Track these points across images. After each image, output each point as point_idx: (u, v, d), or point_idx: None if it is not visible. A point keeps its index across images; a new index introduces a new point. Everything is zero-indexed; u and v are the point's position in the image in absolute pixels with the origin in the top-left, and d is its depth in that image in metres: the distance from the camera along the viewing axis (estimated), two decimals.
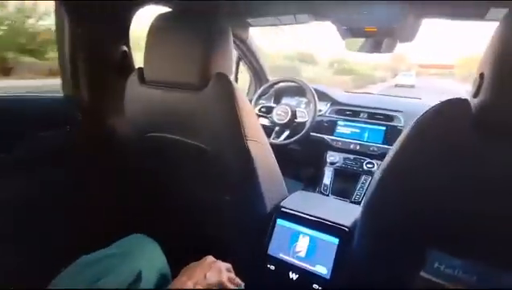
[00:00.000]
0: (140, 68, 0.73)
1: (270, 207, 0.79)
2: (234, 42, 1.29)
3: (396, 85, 15.39)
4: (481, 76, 0.41)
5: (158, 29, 0.68)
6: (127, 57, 0.90)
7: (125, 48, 0.89)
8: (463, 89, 8.39)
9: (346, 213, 0.77)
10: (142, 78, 0.73)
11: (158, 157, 0.81)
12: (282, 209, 0.79)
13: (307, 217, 0.76)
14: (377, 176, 0.55)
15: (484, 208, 0.43)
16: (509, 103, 0.38)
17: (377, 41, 1.17)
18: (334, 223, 0.72)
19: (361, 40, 1.20)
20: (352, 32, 1.09)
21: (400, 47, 1.20)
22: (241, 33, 1.23)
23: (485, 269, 0.46)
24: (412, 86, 14.86)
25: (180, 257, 0.58)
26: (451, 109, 0.44)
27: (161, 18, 0.69)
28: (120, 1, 0.86)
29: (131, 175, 0.87)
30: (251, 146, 0.66)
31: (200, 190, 0.81)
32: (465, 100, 0.43)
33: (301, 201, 0.85)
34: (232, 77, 0.70)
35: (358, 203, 1.24)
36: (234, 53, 1.44)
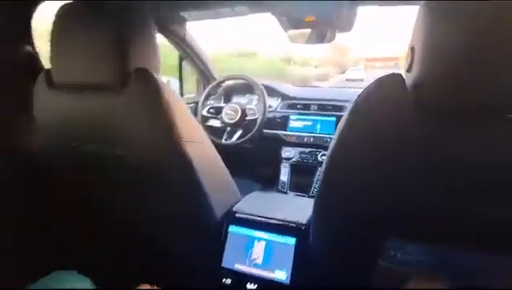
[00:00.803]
0: (47, 70, 0.60)
1: (221, 213, 0.71)
2: (171, 39, 1.20)
3: (347, 80, 16.47)
4: (412, 50, 0.38)
5: (63, 22, 0.56)
6: (33, 58, 0.75)
7: (28, 48, 0.74)
8: None
9: (302, 210, 0.73)
10: (50, 82, 0.60)
11: (80, 173, 0.68)
12: (234, 214, 0.72)
13: (261, 219, 0.70)
14: (322, 167, 0.51)
15: (427, 190, 0.41)
16: (441, 77, 0.36)
17: (321, 32, 1.17)
18: (289, 222, 0.67)
19: (305, 33, 1.20)
20: (292, 23, 1.07)
21: (344, 39, 1.22)
22: (177, 29, 1.13)
23: (441, 252, 0.45)
24: (361, 80, 16.05)
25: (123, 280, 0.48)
26: (384, 85, 0.41)
27: (65, 9, 0.57)
28: None
29: (47, 195, 0.73)
30: (189, 148, 0.58)
31: (138, 203, 0.70)
32: (399, 75, 0.40)
33: (255, 203, 0.78)
34: (159, 75, 0.61)
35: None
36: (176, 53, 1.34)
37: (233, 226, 0.70)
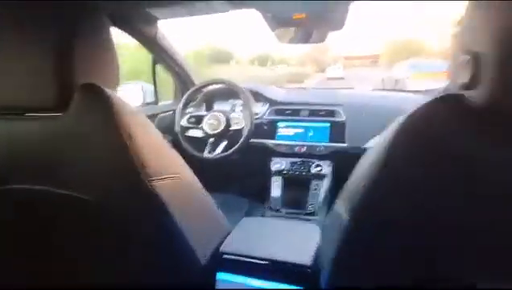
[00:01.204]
0: None
1: (206, 257, 0.58)
2: (141, 40, 1.03)
3: (328, 78, 16.82)
4: (476, 58, 0.27)
5: None
6: None
7: None
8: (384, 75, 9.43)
9: (305, 240, 0.61)
10: None
11: (25, 218, 0.52)
12: (222, 257, 0.58)
13: (256, 261, 0.57)
14: (348, 188, 0.39)
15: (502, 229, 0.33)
16: None
17: (307, 31, 1.06)
18: (293, 265, 0.55)
19: (292, 31, 1.08)
20: (279, 21, 0.94)
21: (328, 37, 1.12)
22: (146, 29, 0.97)
23: None
24: (342, 78, 16.40)
25: None
26: (445, 105, 0.31)
27: None
28: None
29: None
30: (159, 187, 0.44)
31: (94, 263, 0.54)
32: (460, 95, 0.29)
33: (246, 237, 0.65)
34: (118, 89, 0.47)
35: (312, 214, 1.12)
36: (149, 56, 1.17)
37: (223, 273, 0.57)
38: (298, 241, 0.64)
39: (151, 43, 1.04)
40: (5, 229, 0.51)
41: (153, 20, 0.96)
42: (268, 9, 0.86)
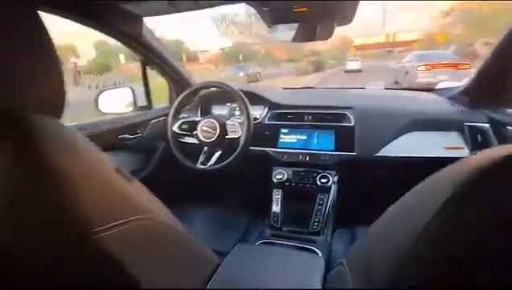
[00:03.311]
0: None
1: None
2: (124, 42, 0.93)
3: (346, 71, 16.47)
4: None
5: None
6: None
7: None
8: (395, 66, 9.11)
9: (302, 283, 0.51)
10: None
11: None
12: None
13: None
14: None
15: None
16: None
17: (311, 26, 0.93)
18: None
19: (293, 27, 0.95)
20: (277, 15, 0.82)
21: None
22: (128, 28, 0.87)
23: None
24: (360, 70, 16.07)
25: None
26: None
27: None
28: None
29: None
30: (116, 239, 0.34)
31: None
32: None
33: (234, 277, 0.55)
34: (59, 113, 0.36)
35: (317, 233, 1.01)
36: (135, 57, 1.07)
37: None
38: (296, 283, 0.54)
39: (137, 43, 0.94)
40: None
41: (136, 18, 0.86)
42: (265, 2, 0.75)
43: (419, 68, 6.61)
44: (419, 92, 1.39)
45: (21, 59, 0.32)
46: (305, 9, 0.79)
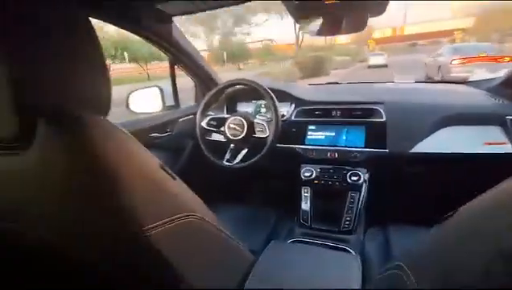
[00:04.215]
0: None
1: None
2: (155, 42, 0.96)
3: (369, 66, 15.45)
4: None
5: None
6: None
7: None
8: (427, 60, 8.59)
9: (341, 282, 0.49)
10: None
11: None
12: None
13: None
14: None
15: None
16: None
17: (337, 18, 0.89)
18: None
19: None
20: (307, 8, 0.80)
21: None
22: (159, 27, 0.89)
23: None
24: (385, 66, 14.95)
25: None
26: None
27: None
28: None
29: None
30: (163, 237, 0.35)
31: None
32: None
33: (271, 274, 0.55)
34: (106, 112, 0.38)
35: (349, 232, 0.97)
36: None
37: None
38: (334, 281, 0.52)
39: (167, 43, 0.96)
40: None
41: (167, 18, 0.88)
42: None
43: (453, 62, 6.14)
44: (453, 84, 1.30)
45: (73, 61, 0.33)
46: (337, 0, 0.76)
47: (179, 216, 0.39)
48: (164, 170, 0.42)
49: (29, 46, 0.30)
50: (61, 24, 0.33)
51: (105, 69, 0.37)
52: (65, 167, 0.31)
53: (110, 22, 0.74)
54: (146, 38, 0.89)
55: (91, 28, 0.35)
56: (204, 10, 0.81)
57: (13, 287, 0.43)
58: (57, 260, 0.38)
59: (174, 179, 0.43)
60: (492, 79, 1.16)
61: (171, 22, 0.92)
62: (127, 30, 0.81)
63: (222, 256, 0.51)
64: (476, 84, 1.22)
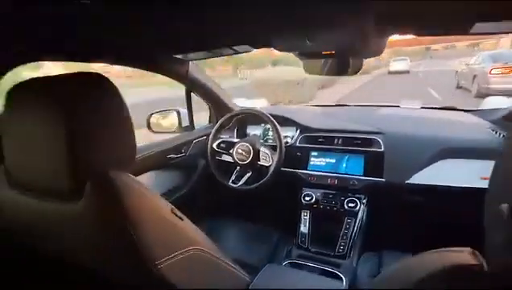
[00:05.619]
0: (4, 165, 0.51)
1: None
2: (174, 77, 1.09)
3: (389, 72, 14.79)
4: None
5: (13, 106, 0.46)
6: None
7: None
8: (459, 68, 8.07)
9: None
10: (9, 179, 0.51)
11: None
12: None
13: None
14: None
15: None
16: None
17: (343, 61, 0.96)
18: None
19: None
20: (307, 56, 0.89)
21: None
22: (177, 68, 1.02)
23: None
24: (407, 72, 14.26)
25: None
26: None
27: (19, 89, 0.47)
28: None
29: None
30: (169, 267, 0.46)
31: None
32: None
33: None
34: (127, 173, 0.49)
35: (343, 256, 1.04)
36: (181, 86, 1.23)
37: None
38: None
39: (184, 78, 1.09)
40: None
41: (184, 62, 1.01)
42: (291, 49, 0.82)
43: (493, 72, 5.50)
44: (459, 112, 1.31)
45: (111, 128, 0.46)
46: (332, 52, 0.84)
47: (186, 249, 0.50)
48: (174, 213, 0.53)
49: (85, 125, 0.42)
50: (107, 102, 0.45)
51: (132, 133, 0.49)
52: (103, 215, 0.43)
53: (134, 67, 0.88)
54: (167, 75, 1.02)
55: (116, 91, 0.47)
56: (215, 57, 0.92)
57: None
58: (87, 278, 0.51)
59: (182, 219, 0.54)
60: (498, 109, 1.16)
61: (187, 64, 1.05)
62: (146, 70, 0.95)
63: (221, 281, 0.62)
64: (481, 113, 1.22)
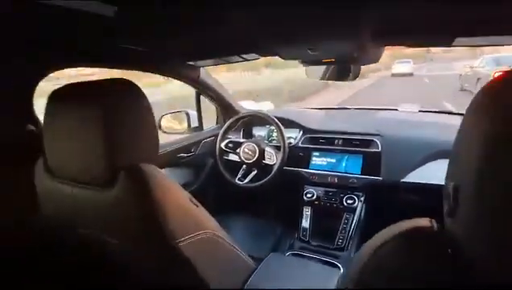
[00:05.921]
0: (45, 158, 0.59)
1: None
2: (185, 82, 1.18)
3: (393, 75, 14.60)
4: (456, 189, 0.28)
5: (55, 107, 0.55)
6: (35, 138, 0.68)
7: (31, 127, 0.73)
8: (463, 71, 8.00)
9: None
10: (48, 170, 0.60)
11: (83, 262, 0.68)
12: None
13: None
14: None
15: None
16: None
17: (344, 67, 1.04)
18: None
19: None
20: (309, 63, 0.97)
21: None
22: (189, 74, 1.11)
23: None
24: (411, 74, 14.10)
25: None
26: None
27: (59, 92, 0.55)
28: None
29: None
30: (185, 248, 0.54)
31: None
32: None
33: (266, 280, 0.73)
34: (153, 164, 0.57)
35: (341, 249, 1.12)
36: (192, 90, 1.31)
37: None
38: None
39: (195, 82, 1.17)
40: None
41: (196, 68, 1.09)
42: (295, 57, 0.90)
43: (497, 75, 5.60)
44: (455, 116, 1.38)
45: (140, 127, 0.54)
46: (333, 59, 0.92)
47: (199, 232, 0.58)
48: (191, 201, 0.61)
49: (119, 123, 0.51)
50: (137, 105, 0.53)
51: (156, 132, 0.58)
52: (134, 200, 0.51)
53: (149, 72, 0.96)
54: (179, 79, 1.11)
55: (149, 104, 0.55)
56: (226, 63, 1.01)
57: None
58: (112, 257, 0.59)
59: (197, 206, 0.62)
60: None
61: (199, 70, 1.13)
62: (160, 74, 1.03)
63: (229, 263, 0.69)
64: None
